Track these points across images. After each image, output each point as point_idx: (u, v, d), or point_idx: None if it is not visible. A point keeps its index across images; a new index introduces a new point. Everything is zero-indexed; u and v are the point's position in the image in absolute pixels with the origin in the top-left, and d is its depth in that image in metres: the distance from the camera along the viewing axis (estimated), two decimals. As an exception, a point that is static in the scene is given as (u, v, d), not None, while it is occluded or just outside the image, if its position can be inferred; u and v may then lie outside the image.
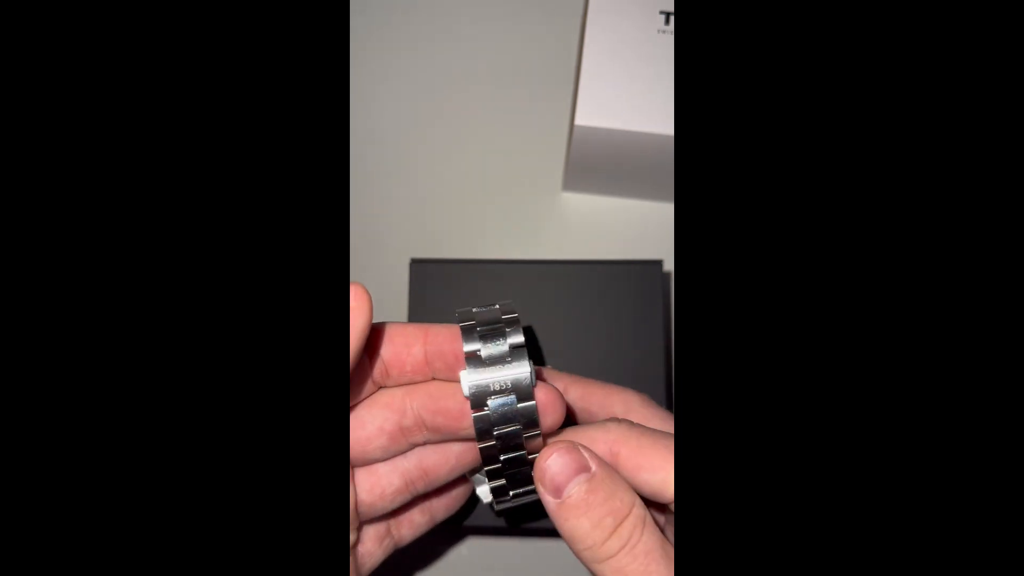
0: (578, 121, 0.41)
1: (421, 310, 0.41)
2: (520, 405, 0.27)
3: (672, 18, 0.42)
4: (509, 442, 0.27)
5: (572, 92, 0.48)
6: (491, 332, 0.27)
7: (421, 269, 0.42)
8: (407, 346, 0.29)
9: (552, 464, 0.26)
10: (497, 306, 0.29)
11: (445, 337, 0.28)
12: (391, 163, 0.52)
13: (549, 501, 0.26)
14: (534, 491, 0.28)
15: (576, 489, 0.26)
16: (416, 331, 0.29)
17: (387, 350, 0.29)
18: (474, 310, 0.29)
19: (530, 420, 0.27)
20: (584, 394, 0.32)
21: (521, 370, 0.27)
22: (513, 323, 0.28)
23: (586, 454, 0.26)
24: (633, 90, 0.41)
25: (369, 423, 0.28)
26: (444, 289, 0.41)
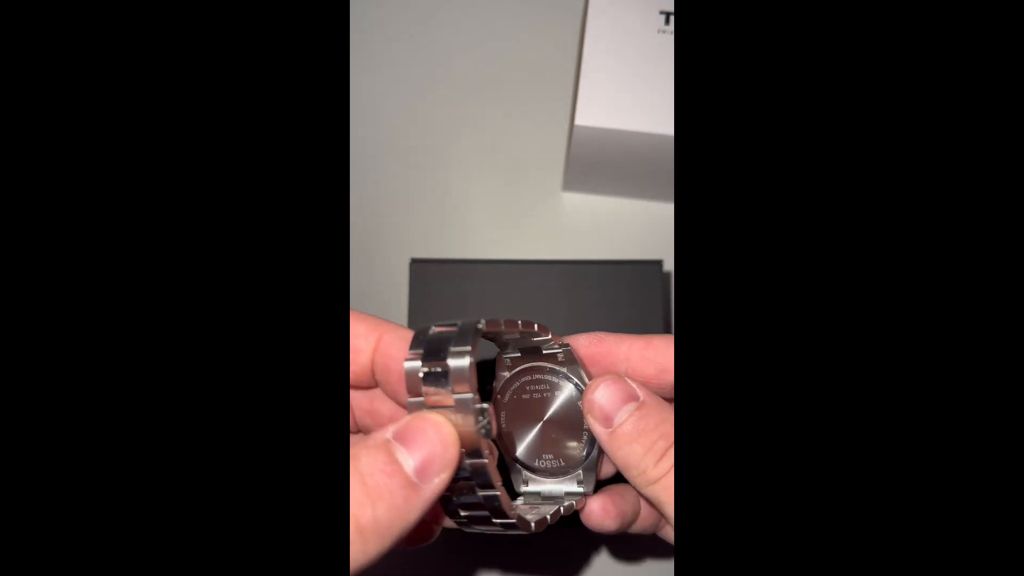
0: (578, 121, 0.41)
1: (421, 310, 0.41)
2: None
3: (672, 18, 0.42)
4: None
5: (572, 92, 0.48)
6: (434, 376, 0.23)
7: (421, 269, 0.42)
8: (355, 351, 0.26)
9: (600, 396, 0.26)
10: (456, 327, 0.24)
11: (400, 348, 0.25)
12: (391, 163, 0.52)
13: (600, 431, 0.26)
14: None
15: (626, 417, 0.26)
16: (369, 331, 0.26)
17: None
18: (432, 330, 0.24)
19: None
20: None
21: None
22: (461, 354, 0.23)
23: (633, 384, 0.26)
24: (633, 90, 0.42)
25: None
26: (444, 289, 0.41)
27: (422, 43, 0.53)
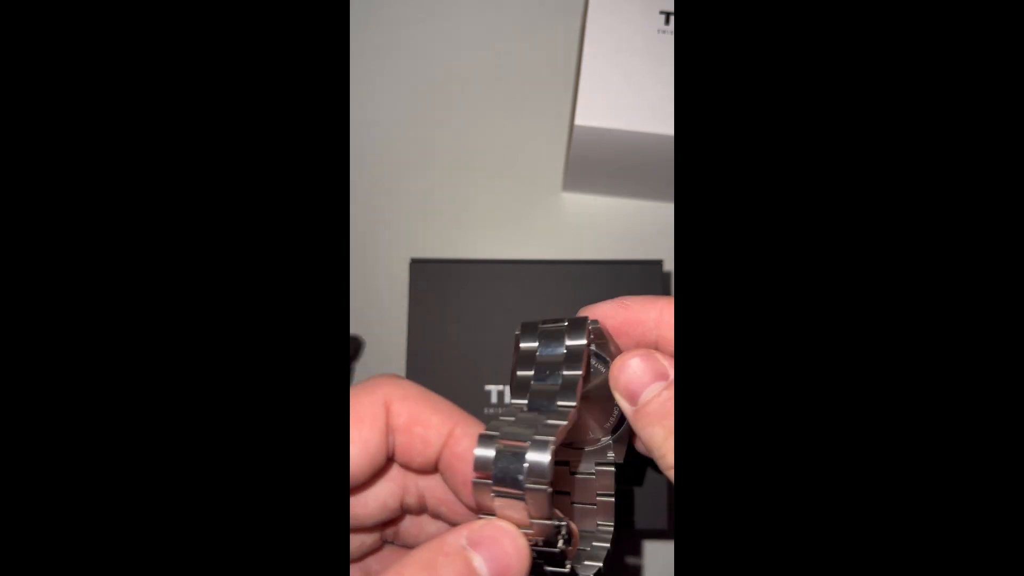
0: (578, 121, 0.41)
1: (421, 310, 0.41)
2: None
3: (672, 18, 0.42)
4: None
5: (572, 92, 0.48)
6: (508, 498, 0.22)
7: (421, 269, 0.42)
8: (424, 443, 0.25)
9: (628, 369, 0.25)
10: (528, 443, 0.23)
11: (469, 448, 0.25)
12: (391, 163, 0.52)
13: (626, 407, 0.25)
14: None
15: (653, 396, 0.25)
16: (442, 422, 0.25)
17: (401, 436, 0.26)
18: (500, 443, 0.23)
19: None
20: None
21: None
22: (538, 489, 0.22)
23: (665, 362, 0.25)
24: (633, 90, 0.41)
25: (372, 500, 0.27)
26: (444, 289, 0.41)
27: (422, 43, 0.53)
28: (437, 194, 0.51)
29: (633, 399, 0.25)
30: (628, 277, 0.41)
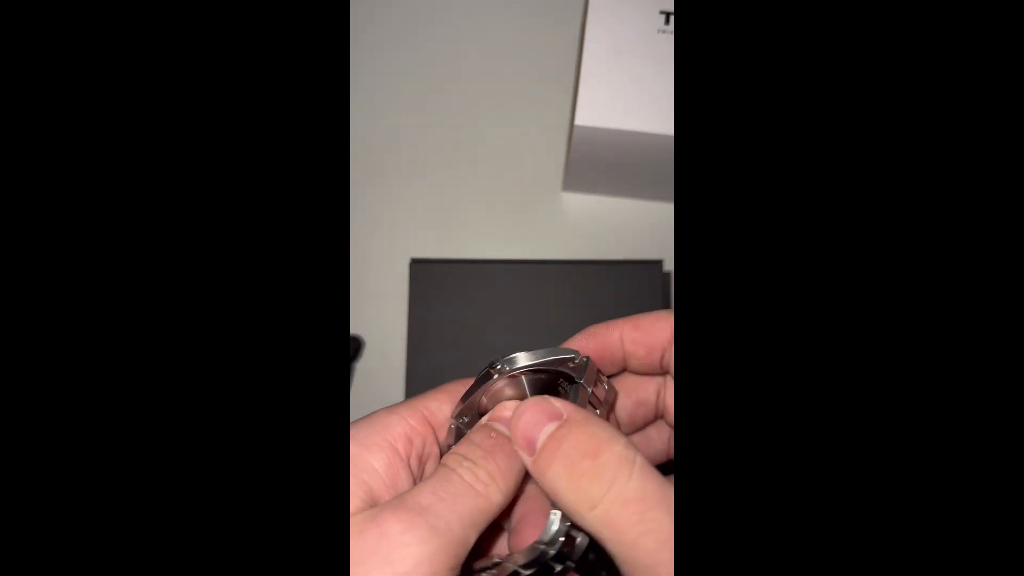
0: (578, 121, 0.41)
1: (421, 310, 0.41)
2: None
3: (672, 18, 0.42)
4: None
5: (572, 92, 0.48)
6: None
7: (421, 269, 0.42)
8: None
9: (521, 419, 0.24)
10: None
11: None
12: (391, 163, 0.52)
13: (526, 460, 0.24)
14: None
15: (545, 439, 0.23)
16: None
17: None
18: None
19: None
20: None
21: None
22: None
23: (559, 403, 0.24)
24: (633, 90, 0.42)
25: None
26: (444, 289, 0.41)
27: (422, 43, 0.53)
28: (437, 194, 0.51)
29: (531, 447, 0.24)
30: (628, 277, 0.41)
